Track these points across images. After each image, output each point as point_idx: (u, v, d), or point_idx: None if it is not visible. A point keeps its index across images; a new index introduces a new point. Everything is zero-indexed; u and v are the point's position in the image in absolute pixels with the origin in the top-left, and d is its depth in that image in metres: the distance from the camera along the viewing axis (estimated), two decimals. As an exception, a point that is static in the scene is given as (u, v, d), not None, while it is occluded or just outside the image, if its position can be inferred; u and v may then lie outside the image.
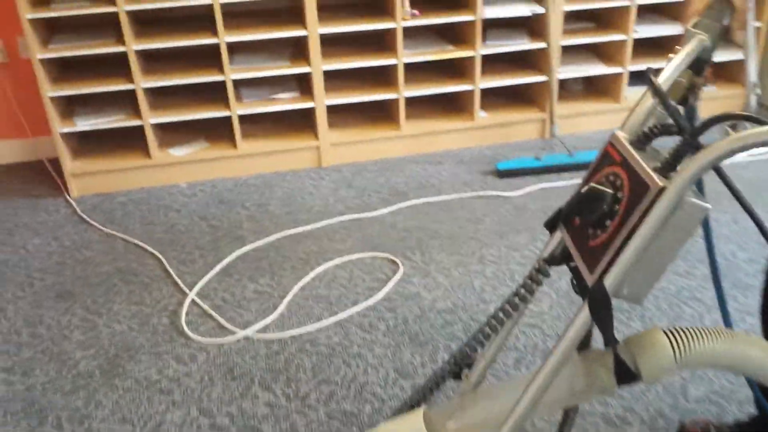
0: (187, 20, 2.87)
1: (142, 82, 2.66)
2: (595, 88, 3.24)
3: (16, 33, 2.87)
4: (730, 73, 3.28)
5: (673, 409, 1.66)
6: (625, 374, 0.88)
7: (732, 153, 0.77)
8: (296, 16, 2.86)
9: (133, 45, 2.59)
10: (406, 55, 2.81)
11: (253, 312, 2.07)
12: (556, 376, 0.89)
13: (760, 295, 1.41)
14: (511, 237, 2.39)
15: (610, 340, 0.85)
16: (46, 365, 1.88)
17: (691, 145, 0.81)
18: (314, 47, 2.72)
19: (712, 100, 3.17)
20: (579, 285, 0.95)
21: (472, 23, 2.82)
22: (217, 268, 2.28)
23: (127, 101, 2.87)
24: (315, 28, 2.69)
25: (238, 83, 2.94)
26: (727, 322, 1.25)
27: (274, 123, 3.05)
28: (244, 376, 1.82)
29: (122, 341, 1.97)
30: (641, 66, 3.04)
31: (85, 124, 2.73)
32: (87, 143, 2.95)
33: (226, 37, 2.64)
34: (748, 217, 0.97)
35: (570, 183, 2.71)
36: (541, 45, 2.88)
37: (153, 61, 2.89)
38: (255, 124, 3.02)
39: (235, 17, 2.86)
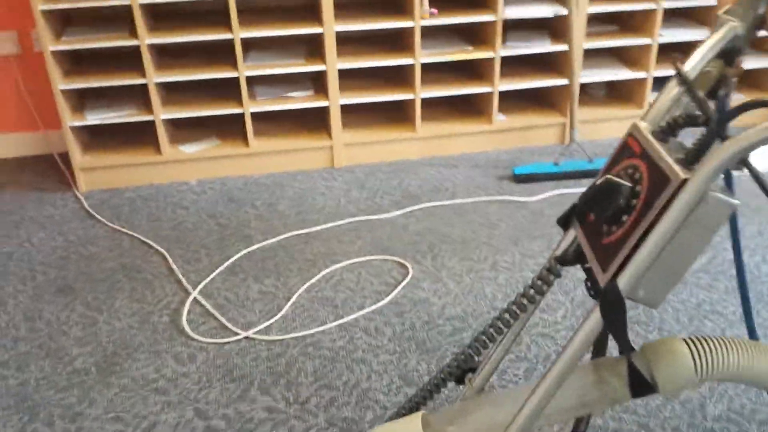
0: (202, 15, 2.83)
1: (155, 77, 2.62)
2: (618, 93, 3.15)
3: (30, 26, 2.85)
4: (756, 80, 3.17)
5: (690, 427, 1.57)
6: (640, 385, 0.81)
7: (763, 143, 0.69)
8: (312, 13, 2.81)
9: (147, 39, 2.55)
10: (423, 55, 2.74)
11: (256, 313, 2.01)
12: (561, 384, 0.82)
13: None
14: (525, 243, 2.30)
15: (624, 347, 0.78)
16: (42, 360, 1.84)
17: (717, 135, 0.74)
18: (330, 45, 2.67)
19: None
20: (593, 286, 0.88)
21: (492, 23, 2.75)
22: (223, 267, 2.23)
23: (138, 96, 2.83)
24: (331, 26, 2.64)
25: (251, 80, 2.89)
26: (753, 335, 1.18)
27: (288, 122, 3.00)
28: (244, 378, 1.76)
29: (121, 339, 1.92)
30: (666, 72, 2.95)
31: (95, 118, 2.69)
32: (98, 138, 2.92)
33: (240, 33, 2.59)
34: None
35: (589, 190, 2.62)
36: (563, 47, 2.79)
37: (166, 56, 2.85)
38: (268, 122, 2.97)
39: (250, 13, 2.82)
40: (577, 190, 2.63)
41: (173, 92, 2.89)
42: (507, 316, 0.93)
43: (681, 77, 0.87)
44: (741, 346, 0.81)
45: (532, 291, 0.92)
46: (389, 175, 2.81)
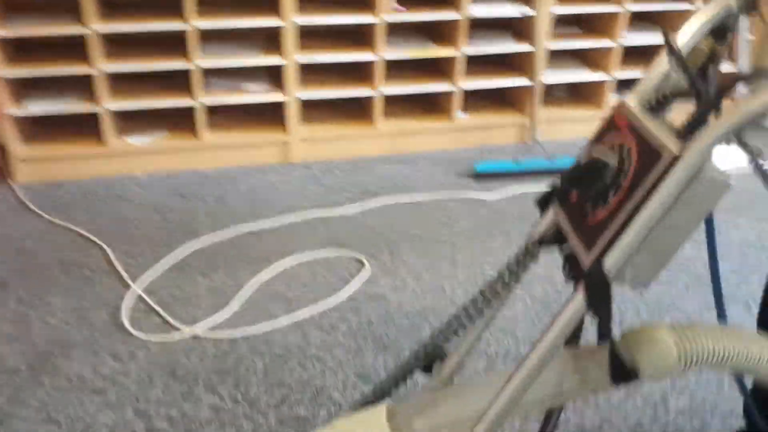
0: (154, 3, 2.71)
1: (102, 66, 2.49)
2: (579, 94, 3.13)
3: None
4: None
5: (653, 421, 1.52)
6: (622, 372, 0.75)
7: (761, 114, 0.64)
8: (271, 5, 2.71)
9: (94, 26, 2.42)
10: (386, 51, 2.67)
11: (203, 309, 1.89)
12: (540, 372, 0.75)
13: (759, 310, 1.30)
14: (485, 241, 2.24)
15: (606, 333, 0.72)
16: (-35, 358, 1.69)
17: (711, 109, 0.69)
18: (289, 38, 2.57)
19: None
20: (572, 271, 0.82)
21: (456, 22, 2.69)
22: (167, 262, 2.10)
23: (85, 86, 2.69)
24: (291, 18, 2.55)
25: (205, 72, 2.77)
26: (723, 320, 1.14)
27: (242, 115, 2.88)
28: (188, 376, 1.64)
29: (55, 336, 1.78)
30: (628, 74, 2.94)
31: (37, 107, 2.54)
32: (41, 129, 2.75)
33: (194, 23, 2.48)
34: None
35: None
36: (528, 48, 2.76)
37: (116, 45, 2.71)
38: (221, 115, 2.85)
39: (205, 2, 2.71)
40: (537, 188, 2.58)
41: (122, 83, 2.75)
42: (480, 301, 0.85)
43: (672, 50, 0.81)
44: (724, 333, 0.76)
45: (507, 275, 0.85)
46: (347, 172, 2.72)
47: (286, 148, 2.76)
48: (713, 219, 1.06)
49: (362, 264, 2.10)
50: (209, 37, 2.76)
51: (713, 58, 0.90)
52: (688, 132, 0.69)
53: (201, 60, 2.55)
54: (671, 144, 0.67)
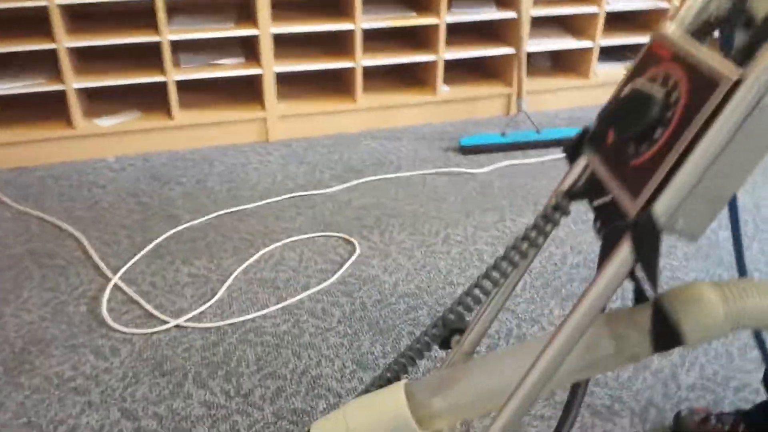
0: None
1: (66, 42, 2.35)
2: (563, 63, 3.06)
3: None
4: None
5: (664, 397, 1.48)
6: (666, 336, 0.68)
7: None
8: (241, -25, 2.59)
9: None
10: (364, 21, 2.56)
11: (187, 298, 1.80)
12: (578, 339, 0.68)
13: None
14: (477, 216, 2.17)
15: (654, 290, 0.65)
16: (-66, 361, 1.57)
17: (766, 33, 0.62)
18: (263, 8, 2.45)
19: None
20: (607, 225, 0.75)
21: (436, -12, 2.60)
22: (146, 249, 2.00)
23: (50, 64, 2.54)
24: (263, -13, 2.43)
25: (175, 46, 2.63)
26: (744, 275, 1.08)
27: (216, 92, 2.76)
28: (176, 371, 1.55)
29: (31, 333, 1.67)
30: (612, 41, 2.88)
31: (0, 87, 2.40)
32: (6, 112, 2.60)
33: (161, -6, 2.35)
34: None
35: (538, 160, 2.52)
36: (511, 15, 2.67)
37: (80, 19, 2.56)
38: (194, 92, 2.72)
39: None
40: (525, 161, 2.52)
41: (89, 60, 2.60)
42: (505, 264, 0.77)
43: None
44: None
45: (534, 233, 0.76)
46: (329, 149, 2.62)
47: (265, 126, 2.65)
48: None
49: (352, 245, 2.02)
50: (179, 8, 2.62)
51: None
52: (743, 57, 0.62)
53: (171, 33, 2.42)
54: (728, 70, 0.60)
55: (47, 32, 2.35)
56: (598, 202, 0.77)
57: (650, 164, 0.64)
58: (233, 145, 2.65)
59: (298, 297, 1.79)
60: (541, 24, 2.92)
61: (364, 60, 2.63)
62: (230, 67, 2.57)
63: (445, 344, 0.88)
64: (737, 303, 0.68)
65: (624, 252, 0.64)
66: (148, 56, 2.59)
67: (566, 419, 0.88)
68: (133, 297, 1.79)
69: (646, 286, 0.67)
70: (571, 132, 2.60)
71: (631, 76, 0.74)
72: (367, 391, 0.81)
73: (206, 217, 2.16)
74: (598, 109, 0.75)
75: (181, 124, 2.56)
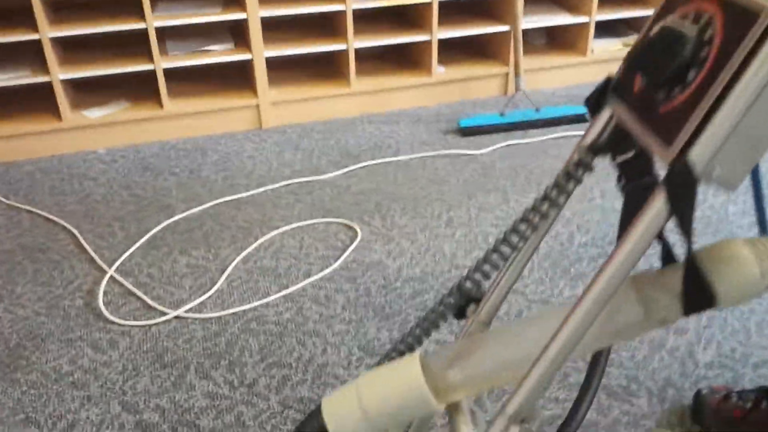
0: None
1: (49, 32, 2.28)
2: (558, 41, 3.01)
3: None
4: None
5: (682, 376, 1.44)
6: (698, 297, 0.64)
7: None
8: (229, -42, 2.52)
9: (37, -13, 2.21)
10: (354, 1, 2.50)
11: (186, 289, 1.74)
12: (607, 302, 0.63)
13: None
14: (480, 197, 2.13)
15: (688, 245, 0.60)
16: (-75, 360, 1.52)
17: None
18: (250, -9, 2.39)
19: None
20: (632, 182, 0.71)
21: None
22: (142, 240, 1.94)
23: (35, 56, 2.47)
24: (251, -30, 2.37)
25: (162, 33, 2.58)
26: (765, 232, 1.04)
27: (206, 80, 2.70)
28: (177, 363, 1.50)
29: (26, 328, 1.62)
30: (609, 16, 2.83)
31: (-20, 81, 2.33)
32: (-14, 106, 2.54)
33: (147, -21, 2.28)
34: None
35: (538, 140, 2.47)
36: (504, -9, 2.62)
37: (63, 8, 2.50)
38: (183, 81, 2.66)
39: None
40: (525, 140, 2.47)
41: (74, 50, 2.54)
42: (524, 226, 0.72)
43: None
44: None
45: (555, 192, 0.71)
46: (324, 135, 2.57)
47: (258, 113, 2.59)
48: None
49: (353, 230, 1.97)
50: (166, -4, 2.56)
51: None
52: None
53: (157, 20, 2.35)
54: None
55: (30, 23, 2.28)
56: (621, 158, 0.73)
57: (684, 109, 0.59)
58: (226, 133, 2.59)
59: (300, 284, 1.74)
60: (534, 1, 2.88)
61: (356, 42, 2.57)
62: (219, 54, 2.51)
63: (460, 314, 0.83)
64: None
65: (656, 206, 0.59)
66: (135, 45, 2.53)
67: (586, 393, 0.83)
68: (131, 289, 1.74)
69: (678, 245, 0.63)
70: (571, 110, 2.57)
71: (659, 15, 0.68)
72: (380, 364, 0.77)
73: (202, 207, 2.11)
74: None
75: (171, 114, 2.50)
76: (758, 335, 1.53)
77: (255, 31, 2.46)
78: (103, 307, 1.67)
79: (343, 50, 2.60)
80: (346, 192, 2.18)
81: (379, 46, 2.67)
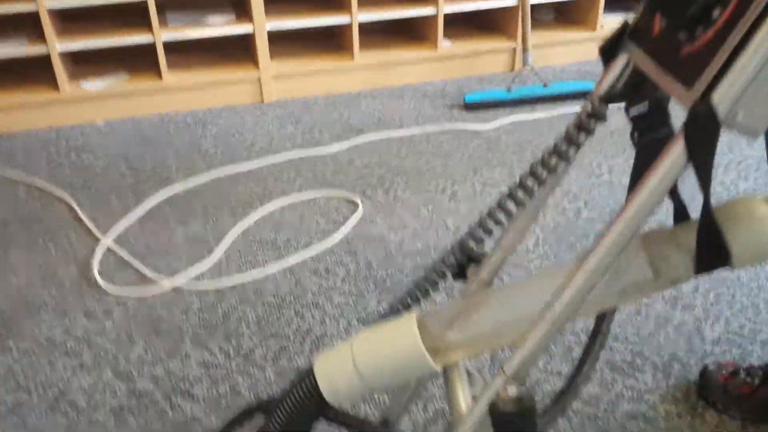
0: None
1: (47, 3, 2.24)
2: (567, 16, 2.95)
3: None
4: None
5: (688, 352, 1.40)
6: (713, 254, 0.60)
7: None
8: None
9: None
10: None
11: (183, 260, 1.71)
12: (618, 256, 0.59)
13: None
14: (485, 172, 2.08)
15: (706, 198, 0.56)
16: None
17: None
18: (252, -39, 2.34)
19: None
20: (647, 135, 0.66)
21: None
22: (139, 211, 1.91)
23: (31, 26, 2.43)
24: (253, -61, 2.31)
25: (162, 4, 2.52)
26: None
27: (207, 52, 2.65)
28: (172, 332, 1.47)
29: (20, 297, 1.59)
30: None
31: (-22, 51, 2.29)
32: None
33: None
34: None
35: (546, 115, 2.42)
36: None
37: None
38: (183, 53, 2.62)
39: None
40: (532, 116, 2.42)
41: (72, 21, 2.49)
42: (531, 181, 0.68)
43: None
44: None
45: (565, 145, 0.67)
46: (327, 109, 2.52)
47: (259, 87, 2.55)
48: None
49: (355, 204, 1.93)
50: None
51: None
52: None
53: (159, -10, 2.31)
54: None
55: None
56: (636, 110, 0.69)
57: (707, 49, 0.54)
58: (226, 106, 2.55)
59: (299, 257, 1.70)
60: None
61: (360, 15, 2.52)
62: (220, 25, 2.46)
63: (461, 274, 0.79)
64: None
65: (674, 154, 0.55)
66: (134, 16, 2.48)
67: (587, 358, 0.80)
68: (127, 259, 1.70)
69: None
70: (581, 85, 2.51)
71: None
72: (378, 321, 0.73)
73: (201, 179, 2.07)
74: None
75: (170, 86, 2.46)
76: (767, 312, 1.49)
77: (257, 3, 2.41)
78: (98, 277, 1.64)
79: (347, 23, 2.54)
80: (349, 166, 2.13)
81: (384, 20, 2.61)
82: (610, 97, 0.68)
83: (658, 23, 0.63)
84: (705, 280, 1.58)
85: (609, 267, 0.59)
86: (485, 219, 0.71)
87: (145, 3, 2.31)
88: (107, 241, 1.77)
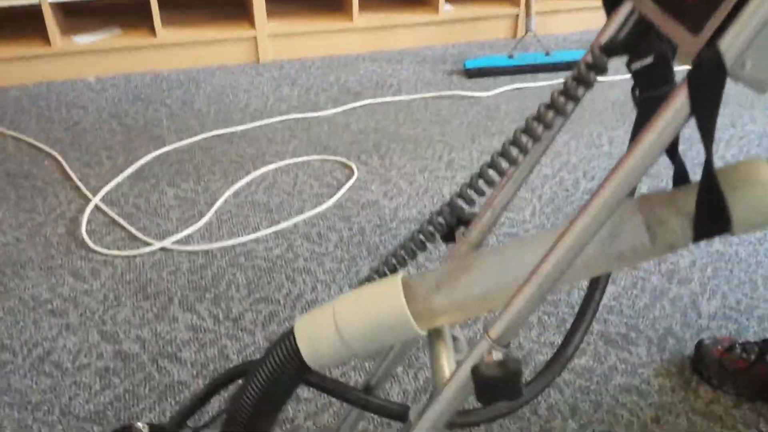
0: None
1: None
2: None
3: None
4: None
5: (684, 326, 1.38)
6: (713, 219, 0.57)
7: None
8: None
9: None
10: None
11: (173, 221, 1.68)
12: (609, 215, 0.56)
13: None
14: (483, 140, 2.04)
15: (708, 154, 0.53)
16: None
17: None
18: None
19: None
20: (649, 91, 0.63)
21: None
22: (129, 170, 1.87)
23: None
24: None
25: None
26: None
27: (202, 8, 2.59)
28: (161, 294, 1.44)
29: (6, 254, 1.56)
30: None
31: (-34, 0, 2.22)
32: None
33: None
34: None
35: (547, 83, 2.37)
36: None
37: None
38: (178, 9, 2.55)
39: None
40: (534, 84, 2.37)
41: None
42: (525, 138, 0.64)
43: None
44: None
45: (563, 99, 0.64)
46: (324, 71, 2.47)
47: (254, 46, 2.49)
48: None
49: (350, 169, 1.89)
50: None
51: None
52: None
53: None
54: None
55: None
56: (638, 64, 0.65)
57: None
58: (221, 65, 2.49)
59: (292, 221, 1.67)
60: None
61: (361, -25, 2.46)
62: (218, -19, 2.39)
63: (449, 236, 0.76)
64: None
65: (675, 105, 0.51)
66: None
67: (578, 327, 0.77)
68: (115, 219, 1.67)
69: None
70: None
71: None
72: (361, 284, 0.70)
73: (193, 139, 2.03)
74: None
75: (164, 43, 2.40)
76: (765, 288, 1.47)
77: (254, -42, 2.34)
78: (86, 236, 1.61)
79: (347, -17, 2.48)
80: (345, 130, 2.09)
81: (385, -19, 2.55)
82: (611, 48, 0.64)
83: None
84: (702, 255, 1.56)
85: (600, 227, 0.56)
86: (476, 178, 0.67)
87: (139, -45, 2.24)
88: (96, 199, 1.73)
